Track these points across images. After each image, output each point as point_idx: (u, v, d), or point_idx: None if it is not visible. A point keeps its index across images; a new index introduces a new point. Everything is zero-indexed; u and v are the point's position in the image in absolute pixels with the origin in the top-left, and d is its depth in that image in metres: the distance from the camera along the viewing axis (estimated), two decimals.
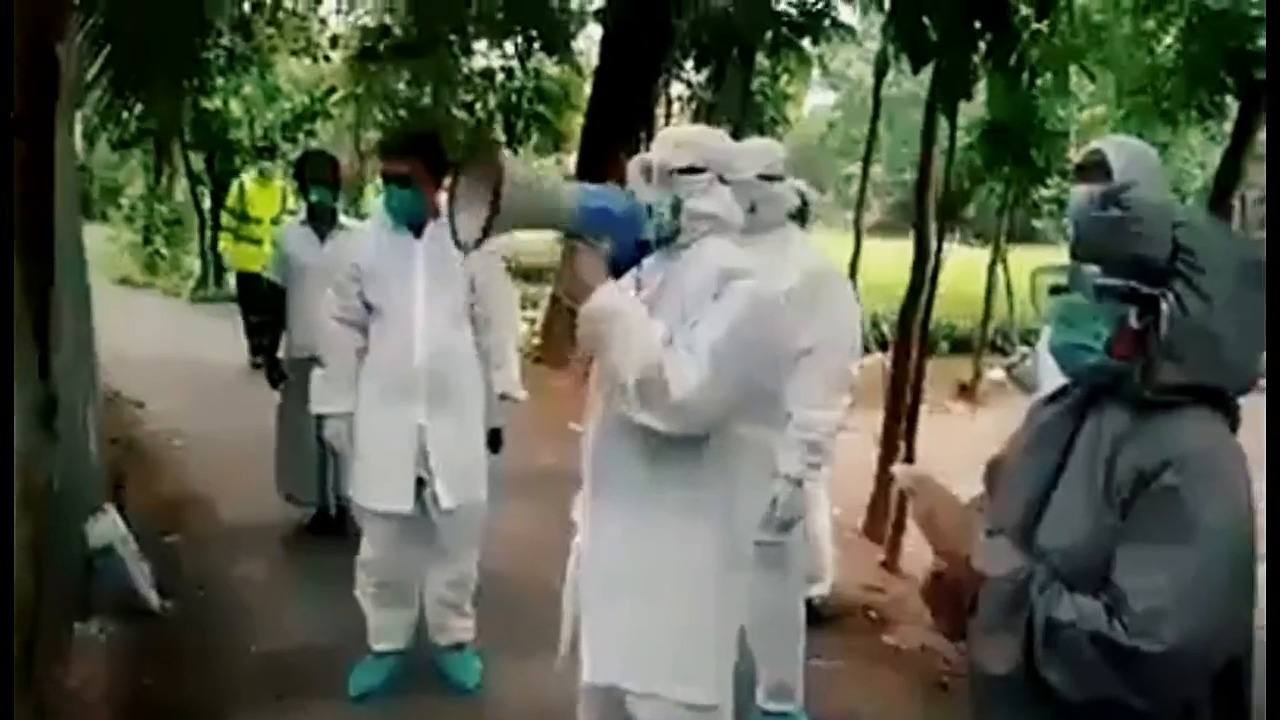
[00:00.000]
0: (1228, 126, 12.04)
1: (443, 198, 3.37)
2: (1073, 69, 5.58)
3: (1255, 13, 9.30)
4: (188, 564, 4.37)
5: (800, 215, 3.39)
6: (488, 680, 3.51)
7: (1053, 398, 1.70)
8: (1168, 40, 10.67)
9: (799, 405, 2.90)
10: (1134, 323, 1.48)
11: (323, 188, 4.55)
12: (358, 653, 3.48)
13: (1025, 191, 13.39)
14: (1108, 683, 1.38)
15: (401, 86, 14.68)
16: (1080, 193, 2.82)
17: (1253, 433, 1.57)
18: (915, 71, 4.82)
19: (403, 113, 14.21)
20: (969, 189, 12.45)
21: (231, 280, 11.74)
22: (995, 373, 10.61)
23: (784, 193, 3.06)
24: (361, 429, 3.32)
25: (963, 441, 7.93)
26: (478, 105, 14.29)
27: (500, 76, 14.53)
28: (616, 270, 2.12)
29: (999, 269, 11.32)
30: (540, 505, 5.21)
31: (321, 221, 4.58)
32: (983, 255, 11.32)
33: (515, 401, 3.52)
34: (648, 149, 2.36)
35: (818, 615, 3.95)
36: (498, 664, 3.56)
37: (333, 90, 14.61)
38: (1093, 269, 1.51)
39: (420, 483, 3.27)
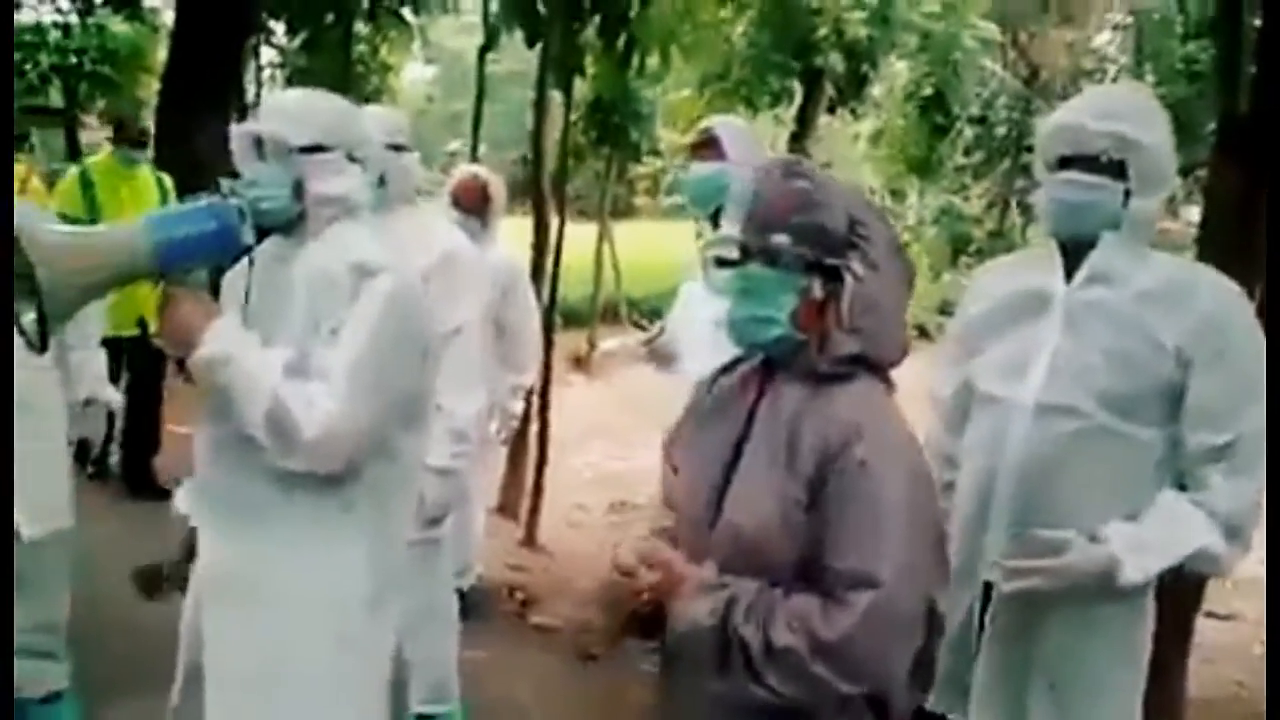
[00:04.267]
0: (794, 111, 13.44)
1: None
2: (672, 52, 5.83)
3: (815, 4, 10.44)
4: None
5: None
6: None
7: (726, 369, 1.69)
8: (740, 29, 11.63)
9: (443, 392, 2.75)
10: (817, 294, 1.49)
11: None
12: None
13: (623, 169, 14.08)
14: (825, 678, 1.38)
15: None
16: (699, 170, 2.91)
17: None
18: (530, 46, 4.79)
19: None
20: (572, 166, 12.84)
21: None
22: (608, 344, 11.06)
23: (413, 164, 2.88)
24: None
25: (583, 411, 8.20)
26: (28, 67, 12.40)
27: (56, 34, 12.71)
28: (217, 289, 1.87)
29: (605, 244, 11.76)
30: (142, 525, 4.64)
31: None
32: (584, 230, 11.70)
33: (106, 407, 3.04)
34: (242, 118, 2.09)
35: (466, 604, 3.85)
36: (100, 710, 3.09)
37: None
38: (780, 239, 1.49)
39: None
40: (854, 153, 21.10)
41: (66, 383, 2.91)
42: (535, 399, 5.11)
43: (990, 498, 2.00)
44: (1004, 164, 16.07)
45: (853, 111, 13.86)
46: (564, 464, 6.01)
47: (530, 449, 5.18)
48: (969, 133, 15.90)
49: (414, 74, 29.16)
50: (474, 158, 9.00)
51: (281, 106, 1.94)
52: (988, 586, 2.02)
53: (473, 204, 3.78)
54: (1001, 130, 16.31)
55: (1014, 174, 15.70)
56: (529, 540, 4.96)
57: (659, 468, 1.74)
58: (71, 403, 2.95)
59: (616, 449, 7.19)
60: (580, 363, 10.73)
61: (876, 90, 14.20)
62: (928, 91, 13.96)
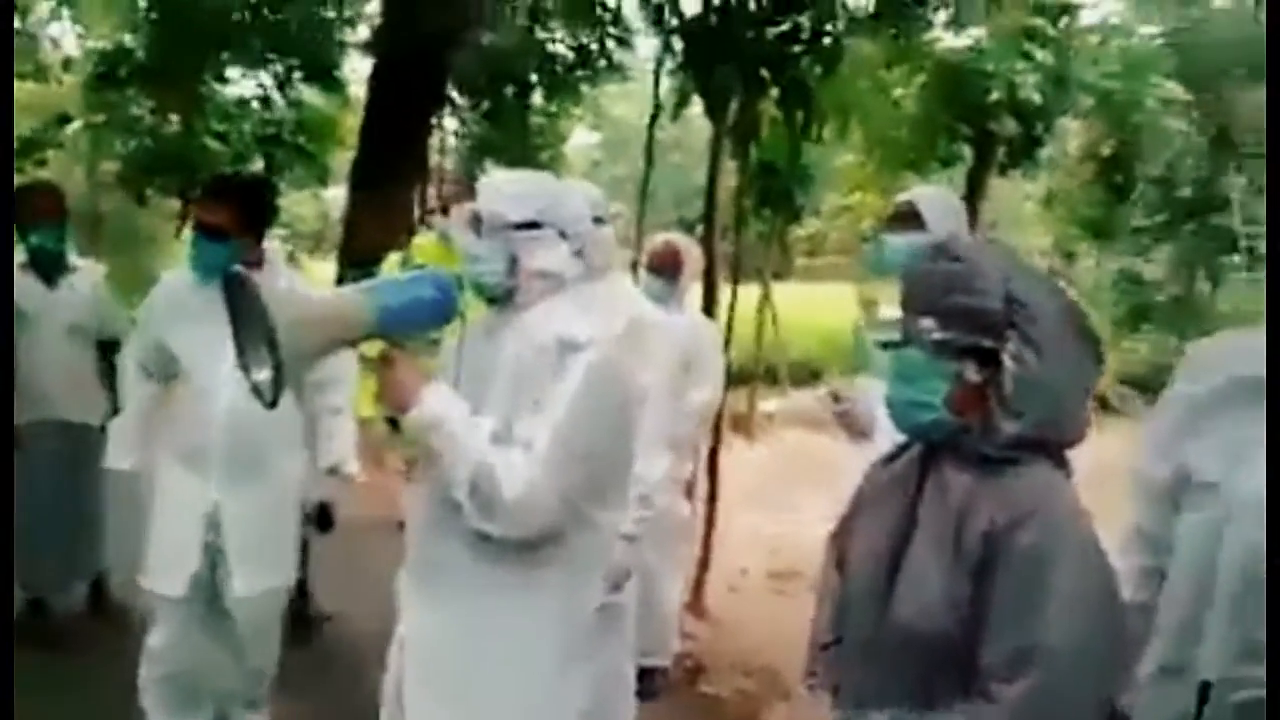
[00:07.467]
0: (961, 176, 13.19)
1: (265, 246, 3.00)
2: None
3: (990, 67, 10.24)
4: None
5: None
6: None
7: (891, 457, 1.67)
8: (910, 91, 11.52)
9: None
10: (973, 377, 1.45)
11: (44, 228, 3.83)
12: None
13: (784, 232, 14.07)
14: None
15: (144, 114, 13.61)
16: (897, 243, 2.87)
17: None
18: (711, 117, 4.89)
19: (147, 141, 13.14)
20: (735, 229, 12.95)
21: None
22: (767, 405, 10.99)
23: (609, 236, 2.96)
24: (155, 498, 2.96)
25: (742, 473, 8.13)
26: (233, 135, 13.44)
27: (257, 105, 13.77)
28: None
29: (766, 306, 11.75)
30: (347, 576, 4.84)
31: (46, 265, 3.89)
32: (744, 292, 11.69)
33: (347, 477, 3.18)
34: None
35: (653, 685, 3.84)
36: None
37: (67, 118, 13.35)
38: (928, 323, 1.47)
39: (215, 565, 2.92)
40: (1023, 213, 20.49)
41: (311, 448, 3.09)
42: (703, 463, 5.11)
43: (1210, 592, 1.90)
44: (1189, 225, 15.24)
45: (1025, 174, 13.48)
46: (724, 527, 5.97)
47: (697, 512, 5.17)
48: (1151, 193, 15.19)
49: (579, 140, 30.14)
50: (639, 223, 9.22)
51: (499, 186, 2.03)
52: (1205, 685, 1.91)
53: (666, 268, 3.87)
54: (1187, 191, 15.52)
55: (1201, 237, 14.85)
56: (695, 606, 4.92)
57: (819, 534, 1.72)
58: (316, 468, 3.11)
59: (776, 512, 7.10)
60: (740, 424, 10.69)
61: (1048, 150, 13.76)
62: (1105, 152, 13.46)
